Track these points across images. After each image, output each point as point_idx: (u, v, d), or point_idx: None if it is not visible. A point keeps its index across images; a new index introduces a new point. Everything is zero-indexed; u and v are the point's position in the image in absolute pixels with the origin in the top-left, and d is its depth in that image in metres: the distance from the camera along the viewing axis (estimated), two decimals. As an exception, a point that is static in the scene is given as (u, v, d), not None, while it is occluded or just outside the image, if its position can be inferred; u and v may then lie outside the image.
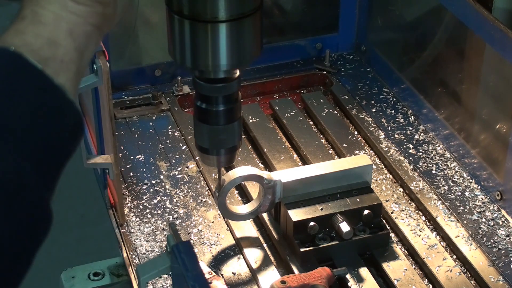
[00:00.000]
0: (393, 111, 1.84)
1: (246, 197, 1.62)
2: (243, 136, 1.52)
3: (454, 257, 1.49)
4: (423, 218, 1.57)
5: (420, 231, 1.52)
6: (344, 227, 1.43)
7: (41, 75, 0.78)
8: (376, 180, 1.65)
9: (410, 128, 1.79)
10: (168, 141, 1.76)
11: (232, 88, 1.27)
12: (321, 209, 1.46)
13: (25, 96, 0.77)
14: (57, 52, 0.81)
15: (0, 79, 0.76)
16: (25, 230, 0.75)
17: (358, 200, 1.48)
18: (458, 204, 1.58)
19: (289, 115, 1.82)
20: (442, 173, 1.66)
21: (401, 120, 1.81)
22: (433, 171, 1.67)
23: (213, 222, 1.55)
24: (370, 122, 1.81)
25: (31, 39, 0.80)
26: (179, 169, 1.68)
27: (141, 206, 1.59)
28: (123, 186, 1.61)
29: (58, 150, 0.79)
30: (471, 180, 1.64)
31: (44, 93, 0.78)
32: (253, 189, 1.59)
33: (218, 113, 1.29)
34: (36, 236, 0.77)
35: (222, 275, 1.44)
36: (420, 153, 1.72)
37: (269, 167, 1.70)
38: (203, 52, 1.18)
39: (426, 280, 1.45)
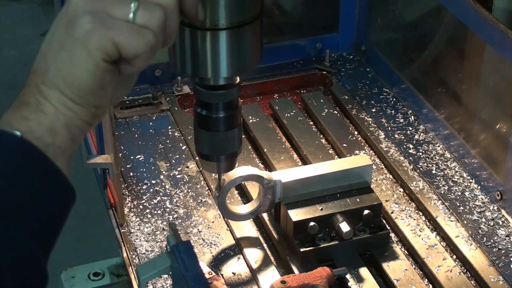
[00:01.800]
0: (393, 111, 1.84)
1: (246, 197, 1.62)
2: (243, 136, 1.52)
3: (454, 257, 1.49)
4: (423, 218, 1.57)
5: (420, 231, 1.52)
6: (344, 227, 1.43)
7: (45, 160, 0.90)
8: (376, 180, 1.65)
9: (410, 128, 1.79)
10: (168, 141, 1.76)
11: (232, 94, 1.27)
12: (321, 209, 1.46)
13: (32, 179, 0.89)
14: (56, 140, 0.92)
15: (11, 163, 0.88)
16: None
17: (358, 200, 1.48)
18: (458, 204, 1.58)
19: (289, 115, 1.82)
20: (442, 173, 1.66)
21: (401, 120, 1.81)
22: (433, 171, 1.67)
23: (213, 222, 1.55)
24: (370, 122, 1.81)
25: (34, 126, 0.91)
26: (179, 169, 1.68)
27: (141, 206, 1.59)
28: (123, 186, 1.61)
29: (58, 224, 0.92)
30: (471, 180, 1.64)
31: (48, 176, 0.90)
32: (253, 189, 1.59)
33: (218, 120, 1.29)
34: None
35: (222, 275, 1.44)
36: (420, 153, 1.72)
37: (269, 167, 1.70)
38: (203, 59, 1.18)
39: (426, 280, 1.45)
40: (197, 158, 1.68)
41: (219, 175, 1.42)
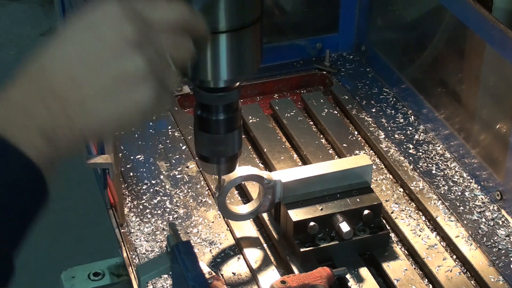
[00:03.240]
0: (393, 111, 1.84)
1: (246, 197, 1.62)
2: (243, 136, 1.52)
3: (454, 257, 1.49)
4: (423, 218, 1.57)
5: (420, 231, 1.52)
6: (344, 227, 1.43)
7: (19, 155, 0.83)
8: (376, 180, 1.65)
9: (410, 128, 1.79)
10: (168, 141, 1.76)
11: (233, 97, 1.27)
12: (321, 209, 1.46)
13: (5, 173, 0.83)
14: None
15: None
16: None
17: (358, 200, 1.48)
18: (458, 204, 1.59)
19: (289, 115, 1.82)
20: (442, 173, 1.66)
21: (401, 120, 1.81)
22: (433, 171, 1.67)
23: (213, 222, 1.55)
24: (370, 122, 1.81)
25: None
26: (179, 169, 1.68)
27: (141, 206, 1.59)
28: (123, 186, 1.61)
29: (28, 220, 0.85)
30: (471, 180, 1.64)
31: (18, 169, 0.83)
32: (253, 189, 1.59)
33: (219, 122, 1.29)
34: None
35: (222, 275, 1.44)
36: (420, 153, 1.72)
37: (269, 167, 1.70)
38: (203, 62, 1.18)
39: (426, 280, 1.45)
40: (197, 158, 1.68)
41: (219, 175, 1.42)
